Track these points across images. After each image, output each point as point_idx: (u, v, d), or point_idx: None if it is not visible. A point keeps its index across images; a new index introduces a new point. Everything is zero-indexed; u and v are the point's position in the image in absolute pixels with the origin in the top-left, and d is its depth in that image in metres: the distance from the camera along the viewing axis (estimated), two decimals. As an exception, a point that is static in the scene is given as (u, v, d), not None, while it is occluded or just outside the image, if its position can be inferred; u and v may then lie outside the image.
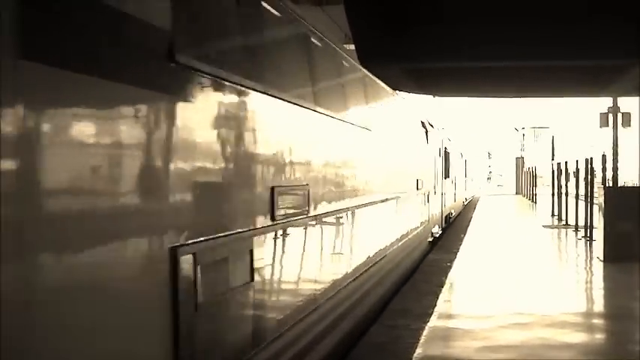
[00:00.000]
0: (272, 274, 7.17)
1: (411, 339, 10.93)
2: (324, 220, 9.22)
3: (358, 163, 11.71)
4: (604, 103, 28.11)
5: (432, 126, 25.92)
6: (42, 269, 3.63)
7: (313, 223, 8.71)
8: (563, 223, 32.67)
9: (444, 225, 29.32)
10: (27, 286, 3.52)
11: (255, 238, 6.52)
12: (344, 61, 10.98)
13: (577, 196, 29.56)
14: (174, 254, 4.84)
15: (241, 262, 6.23)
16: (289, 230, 7.70)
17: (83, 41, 3.97)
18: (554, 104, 67.79)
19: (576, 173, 30.28)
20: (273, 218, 7.05)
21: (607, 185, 22.73)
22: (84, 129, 3.96)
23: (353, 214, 11.12)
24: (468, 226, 32.86)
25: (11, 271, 3.37)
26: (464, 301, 14.06)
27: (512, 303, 13.60)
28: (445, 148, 31.04)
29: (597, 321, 12.86)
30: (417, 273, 18.27)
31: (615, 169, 23.19)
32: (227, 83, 5.93)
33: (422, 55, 5.39)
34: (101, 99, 4.12)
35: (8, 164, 3.37)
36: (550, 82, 6.79)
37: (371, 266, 12.64)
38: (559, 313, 12.66)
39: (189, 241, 5.09)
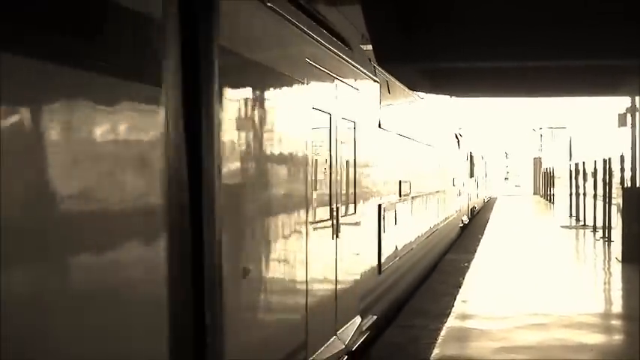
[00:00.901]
0: (401, 222, 13.98)
1: (429, 339, 10.93)
2: (416, 199, 16.43)
3: (428, 167, 19.29)
4: (622, 103, 27.95)
5: (461, 135, 33.11)
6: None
7: (413, 200, 15.87)
8: (581, 223, 32.55)
9: (469, 216, 36.08)
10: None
11: (396, 204, 13.58)
12: (425, 104, 18.82)
13: (595, 197, 29.44)
14: (379, 205, 11.89)
15: (394, 212, 13.28)
16: (405, 201, 14.73)
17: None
18: (571, 104, 67.52)
19: (594, 173, 30.16)
20: (400, 196, 14.06)
21: (625, 186, 22.59)
22: (361, 160, 10.85)
23: (427, 198, 18.54)
24: (485, 225, 32.80)
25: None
26: (481, 301, 14.04)
27: (529, 304, 13.57)
28: (470, 152, 37.55)
29: (615, 322, 12.82)
30: (434, 273, 18.27)
31: (634, 170, 23.06)
32: (393, 133, 13.37)
33: (438, 55, 5.40)
34: (362, 143, 10.84)
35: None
36: (564, 82, 6.78)
37: (435, 231, 20.25)
38: (576, 313, 12.62)
39: (382, 202, 12.09)
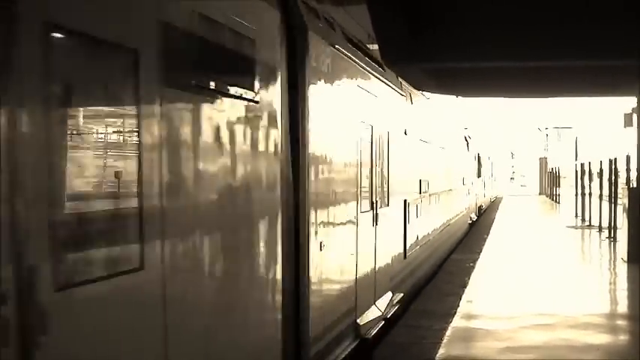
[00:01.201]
0: (424, 213, 16.67)
1: (434, 339, 10.93)
2: (432, 196, 18.78)
3: (442, 168, 21.77)
4: (628, 103, 27.89)
5: (470, 138, 35.45)
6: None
7: (432, 196, 18.52)
8: (587, 223, 32.50)
9: (477, 214, 38.79)
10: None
11: (417, 200, 15.67)
12: (439, 111, 21.92)
13: (601, 197, 29.40)
14: (405, 202, 14.00)
15: (415, 207, 15.40)
16: (424, 197, 17.01)
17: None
18: (577, 104, 67.28)
19: (600, 174, 30.12)
20: (420, 192, 16.26)
21: (631, 186, 22.57)
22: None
23: (441, 196, 20.97)
24: (491, 225, 32.77)
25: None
26: (487, 301, 14.03)
27: (535, 303, 13.56)
28: (478, 153, 40.38)
29: (620, 322, 12.81)
30: (440, 273, 18.27)
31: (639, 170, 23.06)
32: (415, 139, 15.70)
33: (443, 55, 5.41)
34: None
35: None
36: (567, 82, 6.78)
37: (447, 225, 22.87)
38: (582, 314, 12.61)
39: (405, 198, 13.94)
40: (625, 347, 10.85)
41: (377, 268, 11.31)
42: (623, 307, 14.57)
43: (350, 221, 9.73)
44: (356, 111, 10.11)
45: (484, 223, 34.84)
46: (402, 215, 13.74)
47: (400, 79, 13.50)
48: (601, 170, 29.89)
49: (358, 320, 10.07)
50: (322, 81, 8.31)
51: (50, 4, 3.67)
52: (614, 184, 26.19)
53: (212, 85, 5.44)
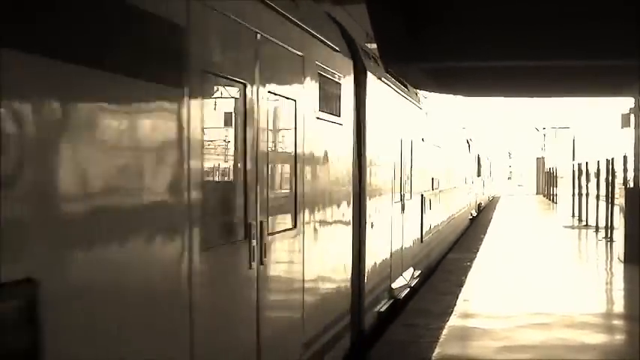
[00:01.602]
0: (435, 206, 19.39)
1: (431, 338, 10.94)
2: (442, 192, 21.57)
3: (449, 168, 24.62)
4: (626, 103, 27.86)
5: (471, 140, 38.43)
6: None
7: (441, 192, 21.26)
8: (584, 223, 32.52)
9: (477, 211, 42.06)
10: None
11: (431, 194, 18.55)
12: (446, 119, 24.60)
13: (598, 197, 29.40)
14: (422, 196, 16.78)
15: (429, 201, 17.98)
16: (436, 193, 19.85)
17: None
18: (575, 104, 67.23)
19: (597, 174, 30.13)
20: (433, 189, 19.10)
21: (628, 186, 22.56)
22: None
23: (448, 192, 23.88)
24: (488, 225, 32.78)
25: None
26: (483, 300, 14.04)
27: (531, 303, 13.57)
28: (478, 154, 43.53)
29: (617, 322, 12.82)
30: (436, 272, 18.28)
31: (636, 170, 23.03)
32: (429, 144, 19.01)
33: (443, 55, 5.41)
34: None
35: None
36: (567, 82, 6.77)
37: (453, 218, 25.66)
38: (579, 313, 12.63)
39: (422, 193, 16.83)
40: (622, 347, 10.87)
41: (403, 247, 14.23)
42: (619, 306, 14.58)
43: (387, 208, 12.66)
44: (392, 125, 13.13)
45: (481, 222, 34.85)
46: (419, 207, 16.54)
47: (419, 95, 16.81)
48: (598, 170, 29.90)
49: (392, 285, 13.13)
50: (374, 105, 11.23)
51: (267, 81, 6.45)
52: (611, 185, 26.20)
53: (323, 115, 8.48)
